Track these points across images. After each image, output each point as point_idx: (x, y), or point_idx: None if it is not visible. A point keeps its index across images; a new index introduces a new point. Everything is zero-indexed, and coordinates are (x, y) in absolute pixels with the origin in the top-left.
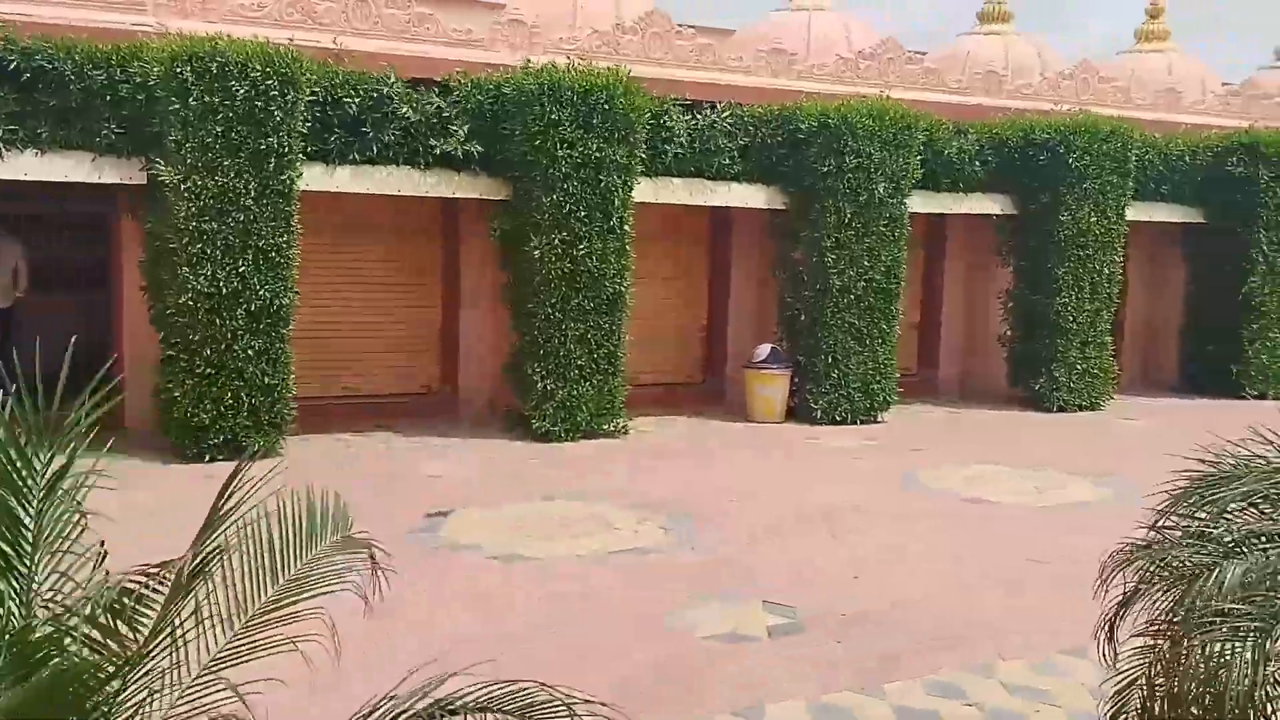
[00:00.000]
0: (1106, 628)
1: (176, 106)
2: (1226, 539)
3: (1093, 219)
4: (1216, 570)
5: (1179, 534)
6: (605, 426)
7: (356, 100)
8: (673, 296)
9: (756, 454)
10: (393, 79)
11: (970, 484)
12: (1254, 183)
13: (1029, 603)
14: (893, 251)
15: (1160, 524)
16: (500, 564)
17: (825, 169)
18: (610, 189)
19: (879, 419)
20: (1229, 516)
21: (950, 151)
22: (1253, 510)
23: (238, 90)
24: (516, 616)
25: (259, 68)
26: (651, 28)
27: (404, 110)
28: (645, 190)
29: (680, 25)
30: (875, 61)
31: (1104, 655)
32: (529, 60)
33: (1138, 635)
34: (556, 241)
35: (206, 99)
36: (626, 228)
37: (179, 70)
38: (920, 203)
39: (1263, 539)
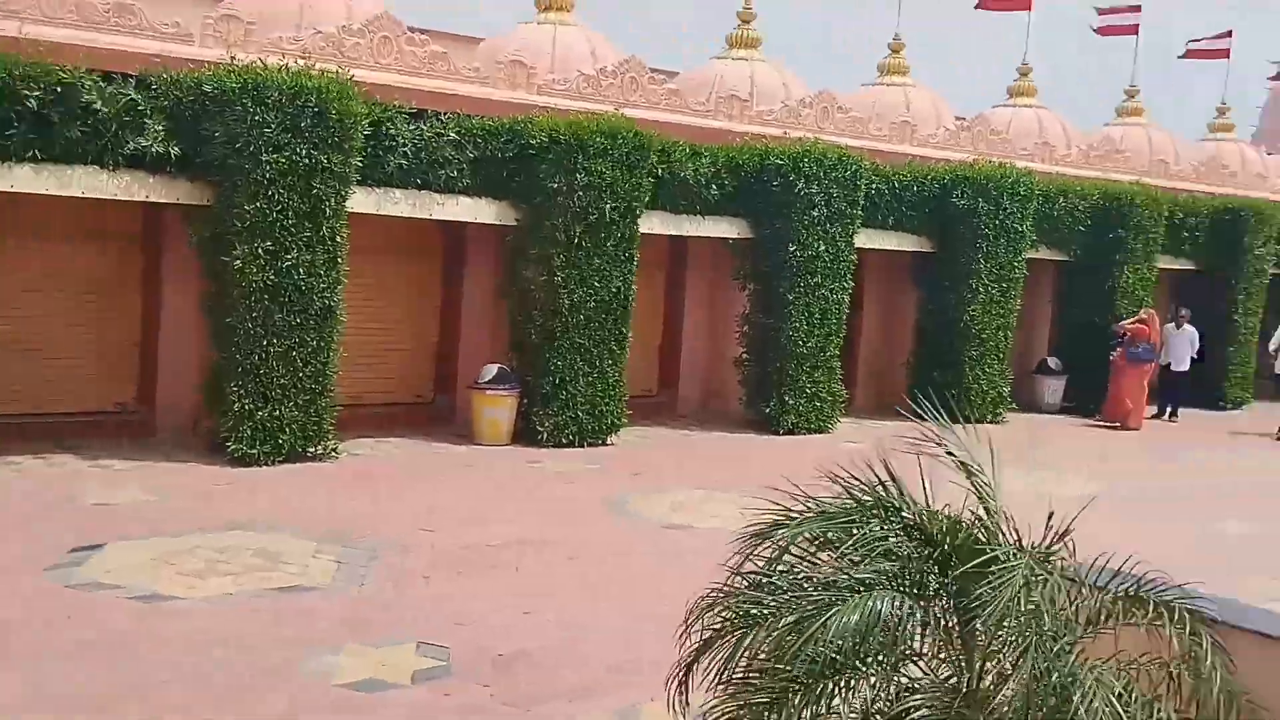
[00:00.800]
0: (680, 676)
1: None
2: (781, 587)
3: (822, 246)
4: (768, 622)
5: (759, 577)
6: (311, 449)
7: (38, 93)
8: (402, 312)
9: (471, 479)
10: (81, 69)
11: (678, 510)
12: (976, 214)
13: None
14: (624, 272)
15: (742, 566)
16: (137, 605)
17: (556, 186)
18: (322, 197)
19: (608, 441)
20: (788, 561)
21: (686, 174)
22: (823, 553)
23: None
24: (133, 666)
25: None
26: (380, 31)
27: (94, 102)
28: (365, 201)
29: (415, 30)
30: (617, 79)
31: (672, 706)
32: (233, 57)
33: (721, 684)
34: (260, 251)
35: None
36: (339, 239)
37: None
38: (658, 224)
39: (814, 586)
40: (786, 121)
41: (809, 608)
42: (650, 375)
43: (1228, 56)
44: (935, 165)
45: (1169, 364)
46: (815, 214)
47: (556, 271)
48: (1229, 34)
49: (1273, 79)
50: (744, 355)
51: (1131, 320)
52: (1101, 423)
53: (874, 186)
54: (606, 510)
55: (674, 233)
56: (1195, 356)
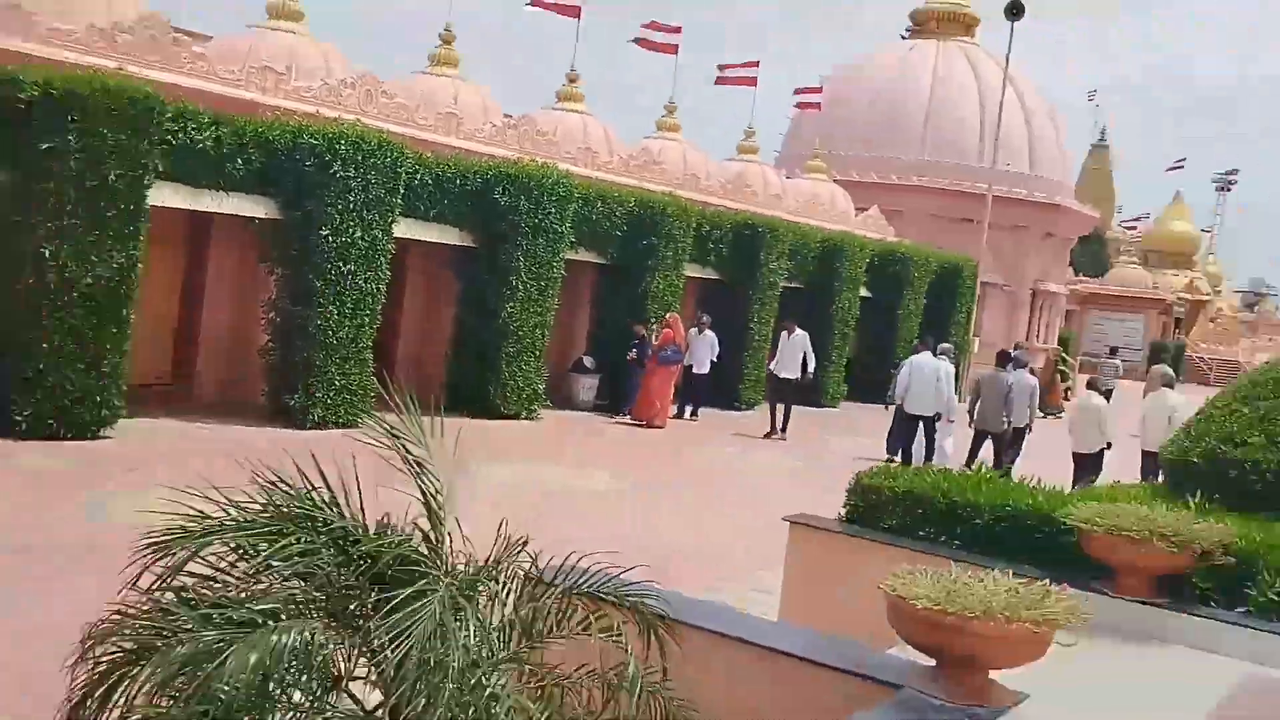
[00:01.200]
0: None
1: None
2: (177, 615)
3: (357, 232)
4: (155, 658)
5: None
6: None
7: None
8: None
9: None
10: None
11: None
12: (517, 212)
13: None
14: (128, 247)
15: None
16: None
17: (48, 146)
18: None
19: (103, 434)
20: (197, 578)
21: (206, 145)
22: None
23: None
24: None
25: None
26: None
27: None
28: None
29: None
30: (133, 36)
31: None
32: None
33: None
34: None
35: None
36: None
37: None
38: (172, 196)
39: (223, 612)
40: (326, 100)
41: (202, 644)
42: (164, 361)
43: (755, 84)
44: (480, 160)
45: (691, 366)
46: (351, 199)
47: (45, 242)
48: (756, 64)
49: (796, 107)
50: (270, 343)
51: (660, 325)
52: (630, 420)
53: (417, 176)
54: (84, 514)
55: (192, 207)
56: (715, 360)
